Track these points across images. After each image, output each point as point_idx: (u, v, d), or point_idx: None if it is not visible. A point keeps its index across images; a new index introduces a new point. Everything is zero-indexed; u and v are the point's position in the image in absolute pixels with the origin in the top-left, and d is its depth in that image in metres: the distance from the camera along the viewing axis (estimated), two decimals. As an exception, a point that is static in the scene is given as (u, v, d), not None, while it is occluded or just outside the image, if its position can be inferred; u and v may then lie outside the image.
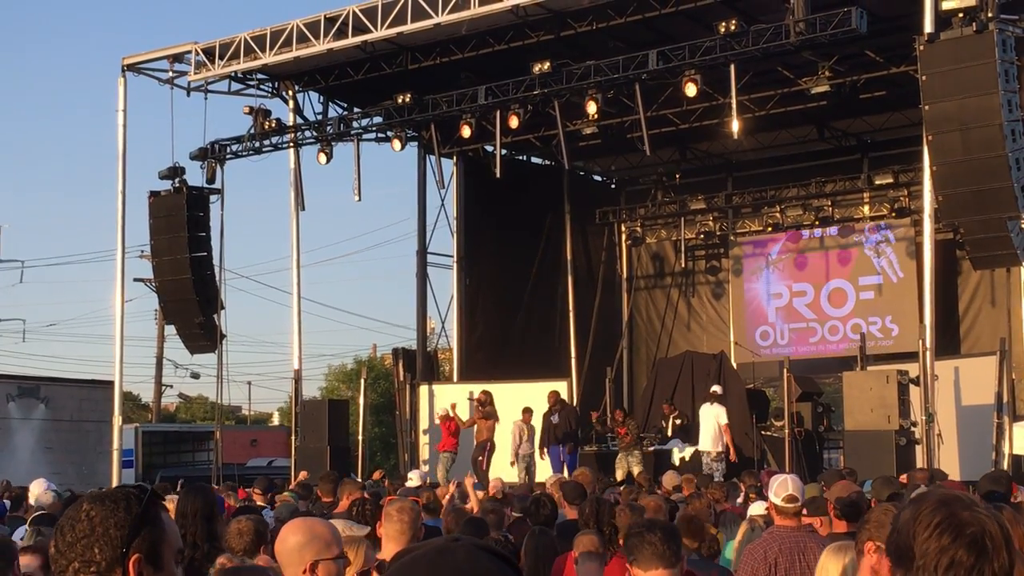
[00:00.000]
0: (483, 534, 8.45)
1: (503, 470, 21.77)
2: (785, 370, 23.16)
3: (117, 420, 26.34)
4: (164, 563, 2.92)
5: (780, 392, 24.18)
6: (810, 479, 15.81)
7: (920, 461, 18.30)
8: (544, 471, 22.56)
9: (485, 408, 23.27)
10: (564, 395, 24.25)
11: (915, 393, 19.20)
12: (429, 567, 2.09)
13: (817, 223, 29.65)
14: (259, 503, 14.32)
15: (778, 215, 30.19)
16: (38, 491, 15.32)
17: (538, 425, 23.32)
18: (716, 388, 23.21)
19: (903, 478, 12.47)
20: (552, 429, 23.19)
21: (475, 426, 23.41)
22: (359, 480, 19.00)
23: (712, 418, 22.28)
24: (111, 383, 27.43)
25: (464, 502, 13.25)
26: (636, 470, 21.59)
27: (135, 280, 46.47)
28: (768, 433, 23.63)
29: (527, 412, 23.34)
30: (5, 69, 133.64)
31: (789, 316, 30.37)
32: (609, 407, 27.19)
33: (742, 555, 7.54)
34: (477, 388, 25.89)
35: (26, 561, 6.67)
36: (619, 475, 21.98)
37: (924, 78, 17.64)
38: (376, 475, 22.21)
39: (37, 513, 9.57)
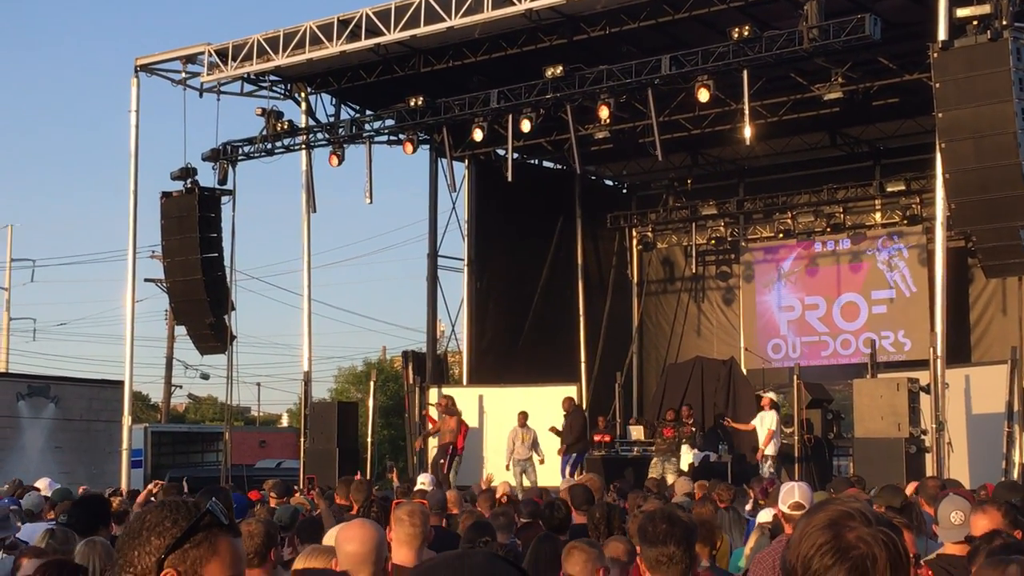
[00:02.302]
0: (487, 536, 8.44)
1: (500, 475, 21.95)
2: (795, 376, 23.14)
3: (127, 420, 26.40)
4: None
5: (790, 398, 24.16)
6: (820, 486, 15.78)
7: (930, 469, 18.27)
8: (543, 476, 22.82)
9: (447, 411, 23.51)
10: (576, 399, 24.27)
11: (926, 401, 19.16)
12: (449, 569, 2.20)
13: (828, 230, 29.63)
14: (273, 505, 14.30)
15: (789, 221, 30.19)
16: (42, 488, 15.37)
17: (540, 429, 23.49)
18: (772, 395, 23.17)
19: (911, 487, 12.38)
20: (561, 434, 23.40)
21: (439, 430, 23.75)
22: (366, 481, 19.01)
23: (769, 423, 22.11)
24: (121, 383, 27.50)
25: (472, 504, 13.26)
26: (671, 478, 20.56)
27: (146, 280, 46.73)
28: (778, 440, 23.60)
29: (521, 415, 23.49)
30: (18, 69, 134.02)
31: (801, 329, 30.34)
32: (619, 411, 27.17)
33: (752, 563, 7.52)
34: (487, 391, 26.05)
35: (26, 565, 6.53)
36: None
37: (938, 85, 17.61)
38: (393, 475, 22.26)
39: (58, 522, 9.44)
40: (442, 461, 22.96)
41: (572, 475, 21.46)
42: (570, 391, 24.71)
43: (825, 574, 2.58)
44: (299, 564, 5.38)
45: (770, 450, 21.92)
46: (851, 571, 2.56)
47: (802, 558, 2.61)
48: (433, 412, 24.37)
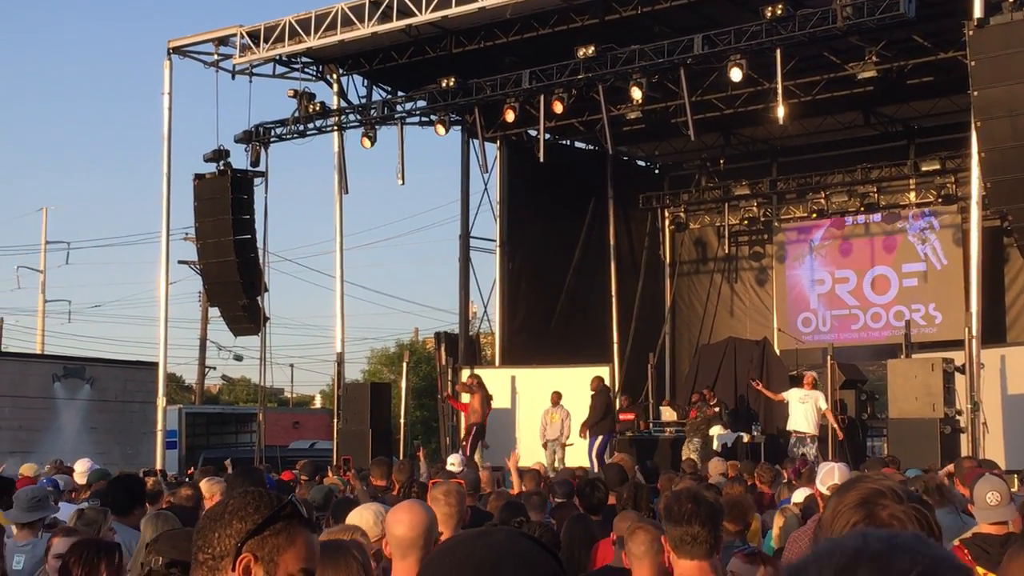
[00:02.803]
0: (520, 516, 8.45)
1: (534, 454, 21.99)
2: (829, 357, 23.04)
3: (161, 401, 26.55)
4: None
5: (823, 379, 24.06)
6: (854, 467, 15.73)
7: (965, 450, 18.17)
8: (571, 457, 22.83)
9: (469, 391, 23.68)
10: (605, 379, 24.21)
11: (960, 381, 19.05)
12: (471, 547, 2.19)
13: (862, 209, 29.48)
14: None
15: (823, 201, 30.05)
16: (82, 470, 15.47)
17: (574, 409, 23.44)
18: (812, 374, 23.11)
19: (949, 468, 12.32)
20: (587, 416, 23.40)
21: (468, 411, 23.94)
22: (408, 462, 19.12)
23: (811, 402, 21.94)
24: (155, 364, 27.69)
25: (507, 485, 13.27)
26: (693, 457, 20.63)
27: (180, 262, 46.95)
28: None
29: (555, 395, 23.50)
30: (53, 51, 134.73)
31: (831, 302, 30.22)
32: (651, 392, 27.13)
33: (788, 542, 7.50)
34: (519, 372, 26.05)
35: (58, 543, 6.48)
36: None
37: (973, 63, 17.47)
38: (420, 457, 22.35)
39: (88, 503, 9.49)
40: (464, 443, 23.01)
41: (601, 458, 21.45)
42: (602, 372, 24.67)
43: None
44: None
45: (816, 431, 21.75)
46: None
47: (835, 535, 2.59)
48: (464, 397, 24.35)
